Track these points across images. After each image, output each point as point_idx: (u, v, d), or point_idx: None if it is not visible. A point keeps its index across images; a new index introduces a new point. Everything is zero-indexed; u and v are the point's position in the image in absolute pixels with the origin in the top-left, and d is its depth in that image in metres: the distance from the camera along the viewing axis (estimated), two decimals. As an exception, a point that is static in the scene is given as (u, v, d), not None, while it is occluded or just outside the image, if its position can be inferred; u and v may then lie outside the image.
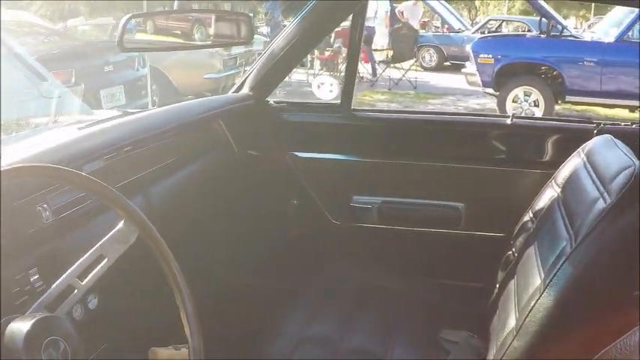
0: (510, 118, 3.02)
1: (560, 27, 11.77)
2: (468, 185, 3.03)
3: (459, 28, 20.93)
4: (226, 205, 2.99)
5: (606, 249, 1.83)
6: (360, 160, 3.13)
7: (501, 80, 11.23)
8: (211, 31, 3.86)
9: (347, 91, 3.17)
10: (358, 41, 3.08)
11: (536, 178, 2.70)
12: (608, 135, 2.37)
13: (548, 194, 2.42)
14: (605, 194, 1.89)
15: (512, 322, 2.02)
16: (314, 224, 3.20)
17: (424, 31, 21.97)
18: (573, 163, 2.37)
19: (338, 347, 2.30)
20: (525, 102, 11.03)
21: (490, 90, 11.53)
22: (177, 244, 1.74)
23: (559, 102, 11.30)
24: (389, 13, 17.01)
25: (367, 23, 15.60)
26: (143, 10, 11.51)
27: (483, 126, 3.15)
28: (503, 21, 24.16)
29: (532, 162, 2.97)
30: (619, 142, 2.22)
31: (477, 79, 11.43)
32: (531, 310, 1.90)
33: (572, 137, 2.75)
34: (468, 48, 12.14)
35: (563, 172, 2.41)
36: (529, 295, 1.96)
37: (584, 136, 2.53)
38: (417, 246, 3.06)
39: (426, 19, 24.06)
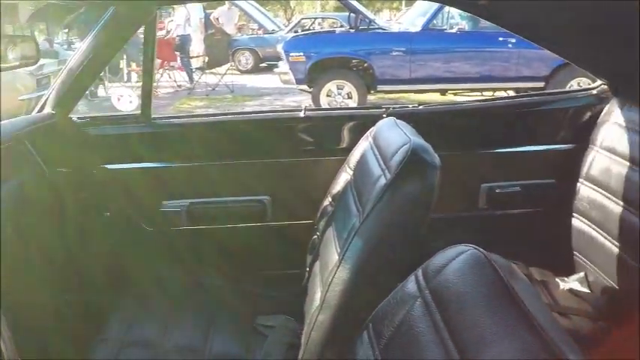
0: (303, 111, 3.16)
1: (367, 20, 12.18)
2: (272, 178, 3.14)
3: (273, 29, 21.15)
4: (40, 224, 2.97)
5: (388, 221, 1.99)
6: (166, 166, 3.19)
7: (314, 76, 11.51)
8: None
9: (145, 100, 3.20)
10: (152, 52, 3.12)
11: (334, 164, 2.83)
12: (391, 117, 2.55)
13: (343, 178, 2.58)
14: (386, 171, 2.06)
15: (317, 299, 2.16)
16: (129, 233, 3.23)
17: (240, 34, 22.08)
18: (362, 146, 2.53)
19: (160, 347, 2.38)
20: (339, 95, 11.37)
21: (304, 87, 11.79)
22: None
23: (371, 92, 11.72)
24: (203, 19, 17.04)
25: (179, 31, 15.62)
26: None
27: (278, 121, 3.27)
28: (316, 19, 24.56)
29: (329, 150, 3.12)
30: (400, 123, 2.40)
31: (291, 77, 11.67)
32: (330, 284, 2.05)
33: (363, 123, 2.90)
34: (279, 48, 12.37)
35: (354, 156, 2.57)
36: (329, 272, 2.11)
37: (375, 121, 2.67)
38: (231, 242, 3.14)
39: (243, 23, 24.17)
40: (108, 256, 3.17)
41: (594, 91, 3.25)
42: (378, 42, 11.74)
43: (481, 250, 1.26)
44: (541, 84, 10.95)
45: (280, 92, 14.52)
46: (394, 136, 2.23)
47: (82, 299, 3.02)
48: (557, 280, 2.88)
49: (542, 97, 3.43)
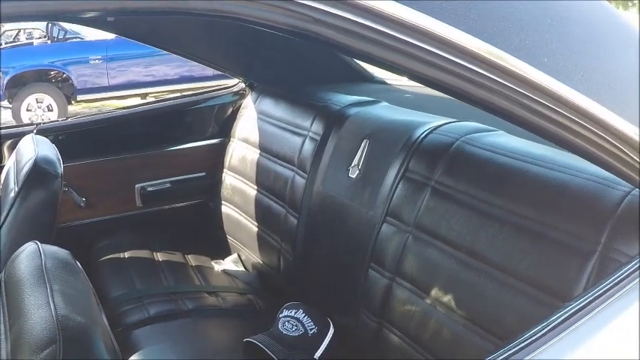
0: None
1: (64, 30, 12.16)
2: None
3: (-22, 45, 20.27)
4: None
5: (17, 229, 2.23)
6: None
7: (12, 92, 11.33)
8: None
9: None
10: None
11: None
12: (30, 134, 2.76)
13: None
14: (16, 185, 2.29)
15: None
16: None
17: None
18: (7, 164, 2.73)
19: None
20: (39, 108, 11.25)
21: (5, 103, 11.52)
22: None
23: (72, 102, 11.78)
24: None
25: None
26: None
27: None
28: (20, 30, 23.69)
29: None
30: (38, 138, 2.63)
31: (-13, 95, 11.38)
32: None
33: (16, 141, 3.02)
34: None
35: (2, 174, 2.76)
36: None
37: (24, 136, 2.84)
38: None
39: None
40: None
41: (234, 89, 3.62)
42: (74, 51, 11.87)
43: (38, 243, 1.52)
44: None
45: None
46: (27, 151, 2.45)
47: None
48: (213, 263, 3.23)
49: (191, 97, 3.70)
